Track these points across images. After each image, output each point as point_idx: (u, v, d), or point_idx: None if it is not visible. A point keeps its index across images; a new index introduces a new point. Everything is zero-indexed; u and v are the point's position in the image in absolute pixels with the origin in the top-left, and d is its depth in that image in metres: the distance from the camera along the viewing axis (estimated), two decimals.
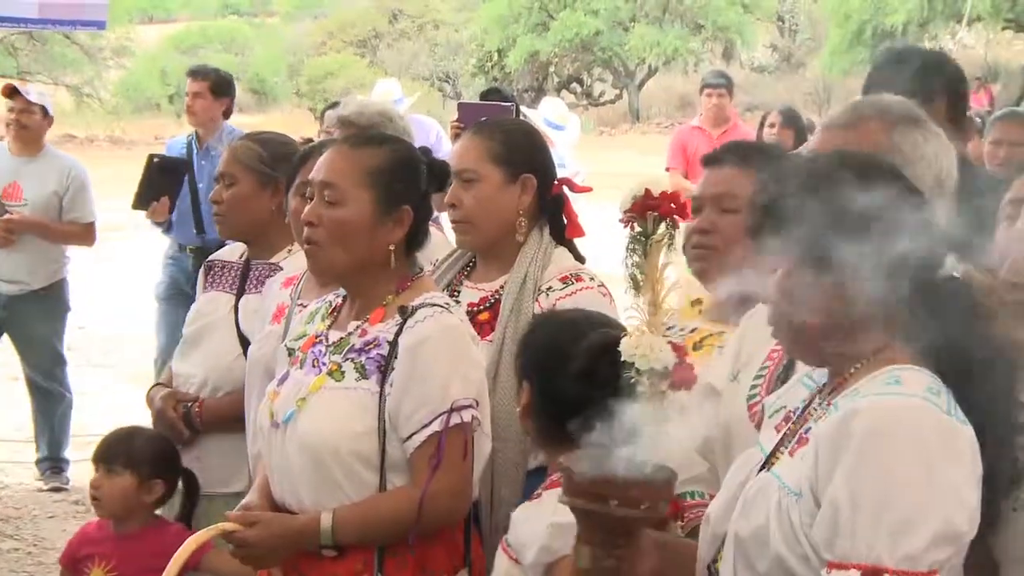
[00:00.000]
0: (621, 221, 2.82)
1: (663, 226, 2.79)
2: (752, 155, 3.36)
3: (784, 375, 2.88)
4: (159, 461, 4.31)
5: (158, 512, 4.38)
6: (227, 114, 8.71)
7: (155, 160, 8.26)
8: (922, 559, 2.13)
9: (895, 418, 2.21)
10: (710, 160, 3.43)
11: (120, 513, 4.31)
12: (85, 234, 8.21)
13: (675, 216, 2.78)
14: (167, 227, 8.44)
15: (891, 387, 2.26)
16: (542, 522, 2.93)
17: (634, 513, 2.38)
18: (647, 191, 2.79)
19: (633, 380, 2.70)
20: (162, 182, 8.15)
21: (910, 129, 2.85)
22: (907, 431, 2.19)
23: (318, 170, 3.38)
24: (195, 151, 8.41)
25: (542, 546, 2.91)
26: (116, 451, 4.31)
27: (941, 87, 3.73)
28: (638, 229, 2.79)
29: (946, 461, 2.18)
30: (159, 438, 4.39)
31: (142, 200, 8.17)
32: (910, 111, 2.94)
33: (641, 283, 2.80)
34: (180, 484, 4.39)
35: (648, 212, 2.80)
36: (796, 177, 2.44)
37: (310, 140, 5.86)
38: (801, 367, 2.84)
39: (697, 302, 3.37)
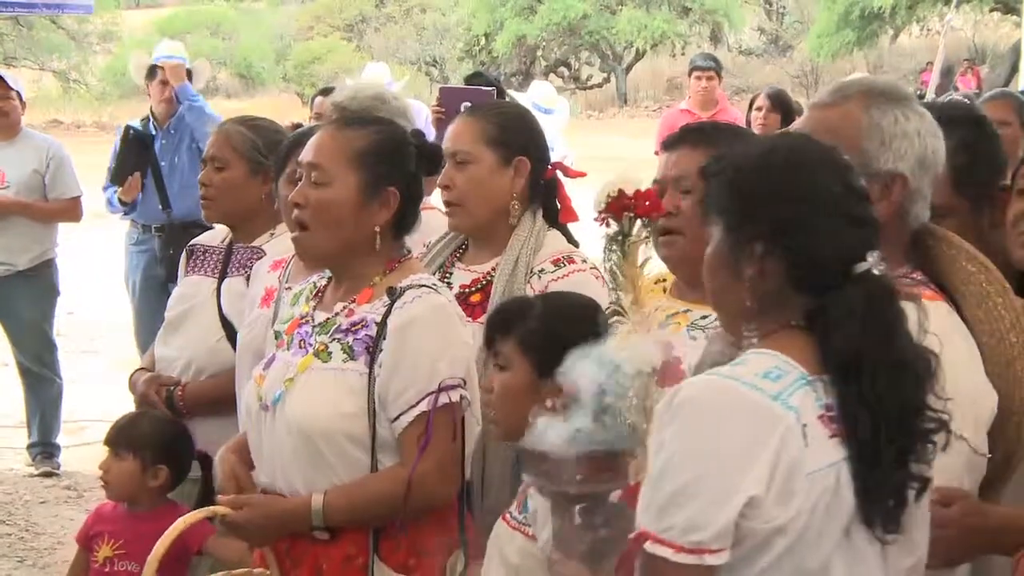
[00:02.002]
0: (596, 220, 2.83)
1: (639, 225, 2.81)
2: (708, 136, 3.34)
3: None
4: (165, 446, 4.30)
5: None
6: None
7: (131, 132, 8.28)
8: (687, 533, 2.21)
9: (695, 396, 2.28)
10: (669, 144, 3.42)
11: (126, 496, 4.32)
12: (71, 209, 8.24)
13: (651, 214, 2.80)
14: (130, 208, 8.46)
15: (728, 367, 2.34)
16: None
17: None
18: (621, 191, 2.79)
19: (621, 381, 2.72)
20: (135, 157, 8.19)
21: (890, 106, 2.86)
22: (701, 408, 2.27)
23: (306, 152, 3.39)
24: (155, 131, 8.42)
25: None
26: (122, 435, 4.32)
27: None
28: (615, 228, 2.80)
29: (733, 441, 2.24)
30: (168, 422, 4.38)
31: (118, 175, 8.20)
32: (894, 89, 2.96)
33: (621, 282, 2.82)
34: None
35: (624, 212, 2.81)
36: (725, 159, 2.48)
37: (299, 125, 5.86)
38: None
39: (661, 280, 3.36)
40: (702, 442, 2.25)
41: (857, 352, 2.32)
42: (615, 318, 2.80)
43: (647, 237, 2.82)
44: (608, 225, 2.82)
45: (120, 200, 8.34)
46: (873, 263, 2.34)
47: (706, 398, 2.28)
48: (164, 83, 8.48)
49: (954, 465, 2.68)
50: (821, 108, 2.93)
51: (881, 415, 2.31)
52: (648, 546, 2.24)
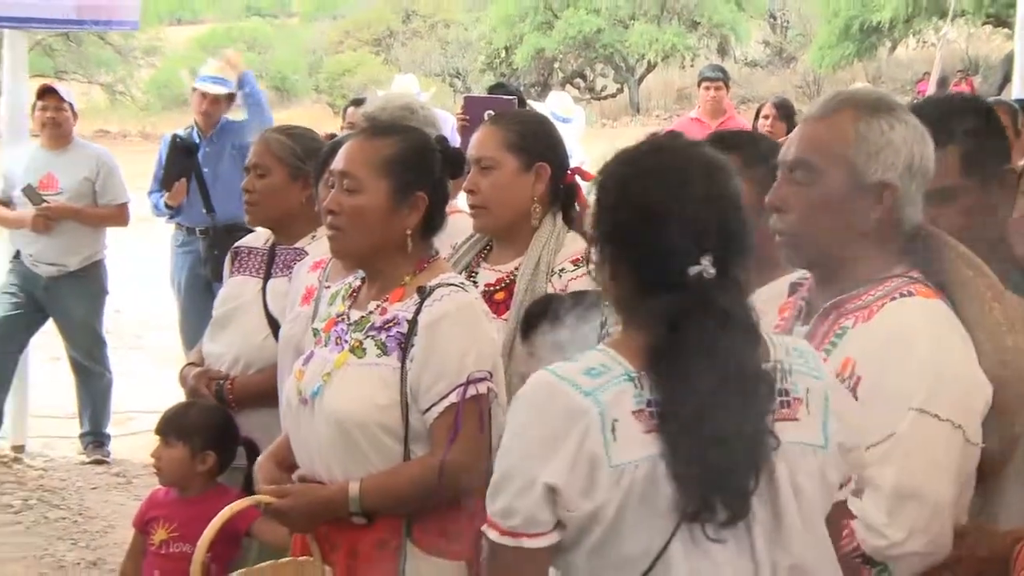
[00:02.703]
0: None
1: None
2: (728, 143, 3.36)
3: None
4: (212, 433, 4.34)
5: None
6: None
7: (178, 141, 8.32)
8: (505, 517, 2.31)
9: (525, 389, 2.37)
10: None
11: (177, 481, 4.36)
12: (120, 214, 8.27)
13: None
14: (175, 212, 8.49)
15: (561, 363, 2.39)
16: None
17: None
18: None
19: None
20: (181, 164, 8.23)
21: (876, 118, 2.82)
22: (523, 401, 2.36)
23: (338, 160, 3.40)
24: (199, 139, 8.44)
25: None
26: (172, 424, 4.36)
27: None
28: None
29: (538, 433, 2.31)
30: (215, 411, 4.42)
31: (166, 181, 8.24)
32: (880, 100, 2.91)
33: None
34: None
35: None
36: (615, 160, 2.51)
37: (333, 135, 5.87)
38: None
39: None
40: (517, 433, 2.35)
41: (666, 351, 2.32)
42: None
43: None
44: None
45: (166, 204, 8.38)
46: (705, 267, 2.32)
47: (529, 392, 2.35)
48: (204, 96, 8.51)
49: (942, 452, 2.68)
50: (811, 122, 2.90)
51: (694, 414, 2.29)
52: (483, 527, 2.36)
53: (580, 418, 2.28)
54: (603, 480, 2.28)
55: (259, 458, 3.68)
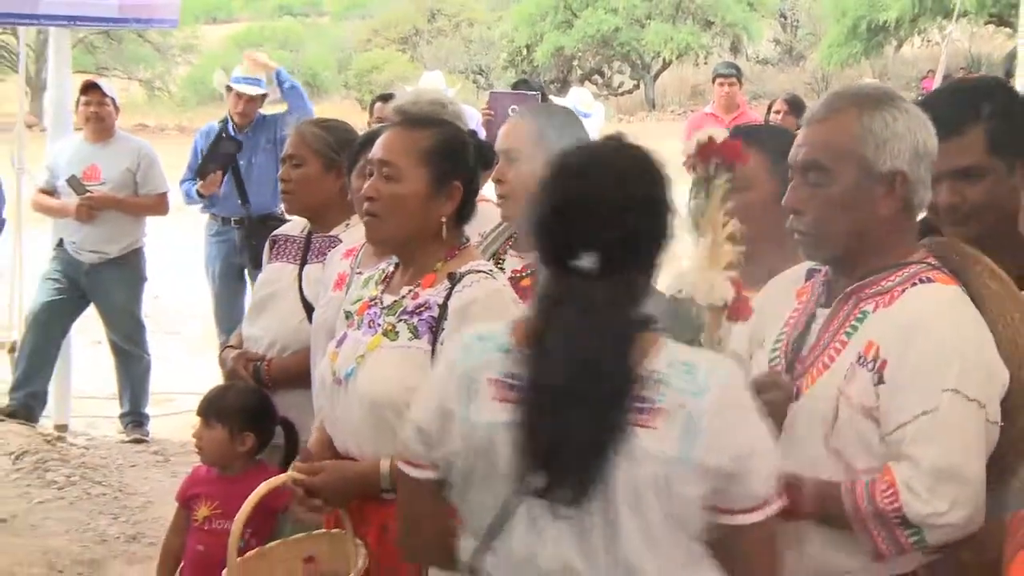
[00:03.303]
0: (684, 164, 2.81)
1: (724, 171, 2.78)
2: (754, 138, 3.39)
3: (800, 338, 2.91)
4: (250, 415, 4.36)
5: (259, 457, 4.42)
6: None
7: (224, 135, 8.31)
8: (403, 447, 2.65)
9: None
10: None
11: (218, 461, 4.38)
12: (159, 204, 8.29)
13: (736, 161, 2.79)
14: (207, 202, 8.51)
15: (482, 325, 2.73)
16: None
17: None
18: (711, 138, 2.78)
19: (695, 314, 2.71)
20: (221, 158, 8.24)
21: (879, 111, 2.81)
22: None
23: (377, 149, 3.39)
24: (235, 133, 8.43)
25: None
26: (211, 406, 4.37)
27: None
28: (700, 173, 2.79)
29: (433, 377, 2.62)
30: (252, 392, 4.42)
31: (202, 170, 8.26)
32: (879, 93, 2.91)
33: (702, 224, 2.79)
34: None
35: (711, 157, 2.78)
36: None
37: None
38: (817, 323, 2.87)
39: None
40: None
41: (532, 332, 2.42)
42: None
43: (730, 184, 2.79)
44: (695, 171, 2.81)
45: (198, 192, 8.39)
46: (585, 263, 2.37)
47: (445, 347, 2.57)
48: (240, 96, 8.51)
49: (974, 431, 2.67)
50: (816, 124, 2.88)
51: (540, 393, 2.36)
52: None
53: (451, 374, 2.50)
54: (454, 433, 2.48)
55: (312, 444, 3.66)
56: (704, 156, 2.79)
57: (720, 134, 2.82)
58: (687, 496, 2.36)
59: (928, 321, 2.73)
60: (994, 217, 3.12)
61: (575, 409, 2.35)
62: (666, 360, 2.40)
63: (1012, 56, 13.59)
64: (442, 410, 2.49)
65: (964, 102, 3.21)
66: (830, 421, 2.74)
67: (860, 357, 2.75)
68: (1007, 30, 30.47)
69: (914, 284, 2.80)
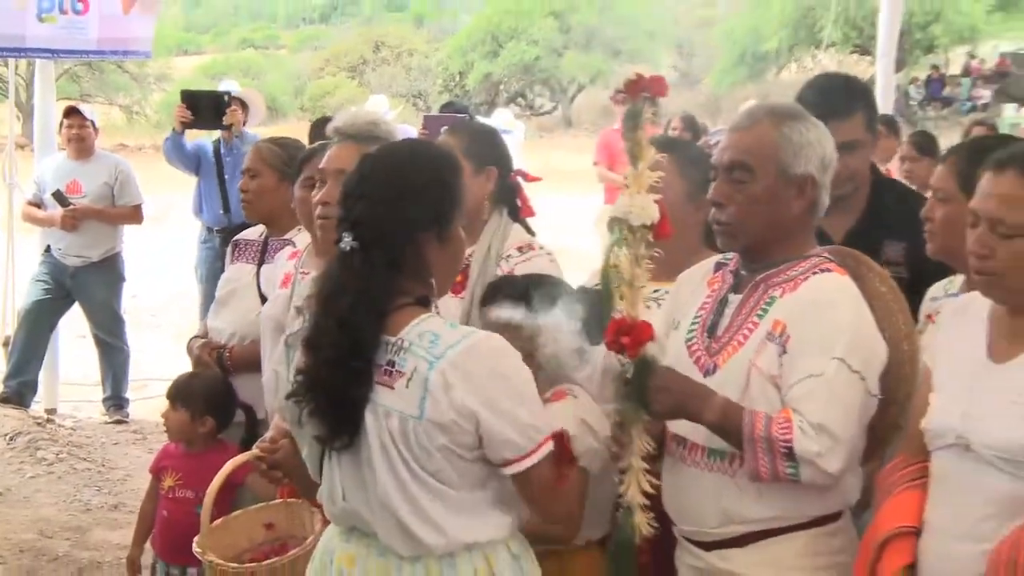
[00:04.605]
0: (612, 99, 2.81)
1: (650, 104, 2.77)
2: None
3: (715, 321, 2.93)
4: (211, 400, 4.34)
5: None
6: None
7: (227, 97, 8.04)
8: None
9: None
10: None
11: (181, 439, 4.38)
12: (134, 214, 8.18)
13: (662, 95, 2.78)
14: (197, 210, 8.39)
15: None
16: (568, 418, 2.93)
17: None
18: (639, 75, 2.76)
19: (624, 237, 2.71)
20: (204, 116, 7.99)
21: (795, 123, 2.87)
22: None
23: (328, 161, 3.43)
24: (221, 148, 8.31)
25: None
26: (178, 392, 4.35)
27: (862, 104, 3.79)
28: (631, 107, 2.77)
29: None
30: (215, 380, 4.40)
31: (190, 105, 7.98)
32: (794, 109, 2.98)
33: (633, 153, 2.78)
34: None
35: (639, 92, 2.77)
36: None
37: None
38: (729, 307, 2.90)
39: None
40: None
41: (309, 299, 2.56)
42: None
43: (655, 117, 2.79)
44: (623, 104, 2.79)
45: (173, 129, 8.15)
46: (346, 242, 2.49)
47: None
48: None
49: (853, 406, 2.71)
50: (740, 131, 2.91)
51: (303, 348, 2.50)
52: None
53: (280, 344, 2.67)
54: (283, 388, 2.61)
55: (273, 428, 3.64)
56: (633, 91, 2.76)
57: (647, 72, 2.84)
58: (428, 447, 2.42)
59: (825, 301, 2.77)
60: (862, 179, 3.69)
61: (328, 365, 2.44)
62: (417, 331, 2.45)
63: (872, 80, 13.84)
64: (276, 372, 2.61)
65: (847, 93, 3.68)
66: (743, 389, 2.76)
67: (769, 334, 2.78)
68: (868, 58, 30.83)
69: (815, 273, 2.84)
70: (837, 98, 3.61)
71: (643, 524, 2.80)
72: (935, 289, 3.35)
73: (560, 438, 2.47)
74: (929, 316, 3.22)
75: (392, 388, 2.43)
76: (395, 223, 2.48)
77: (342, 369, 2.43)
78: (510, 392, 2.43)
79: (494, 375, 2.42)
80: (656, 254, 2.79)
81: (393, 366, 2.43)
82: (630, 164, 2.80)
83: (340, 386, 2.44)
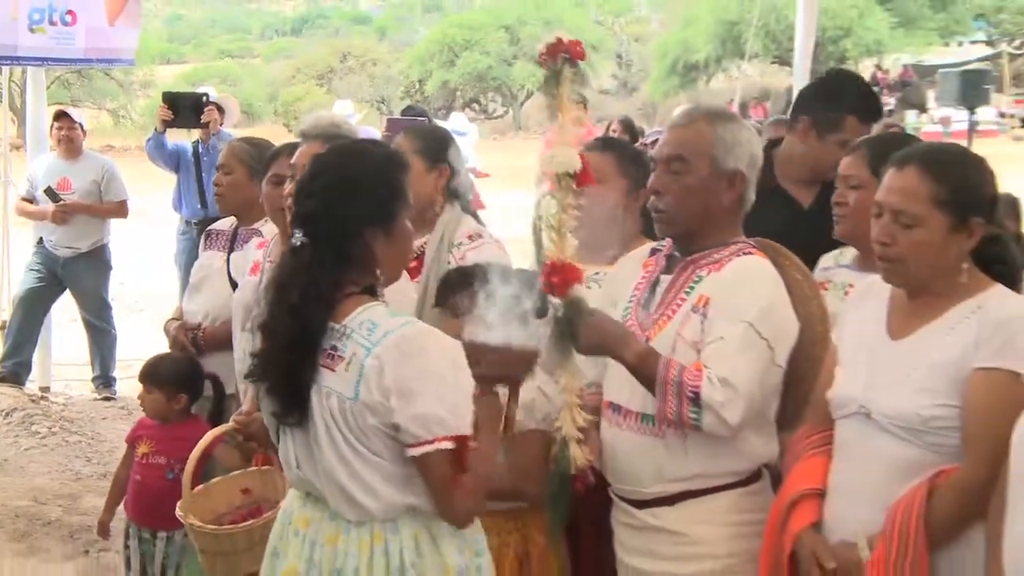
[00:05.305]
0: (537, 61, 2.75)
1: (569, 65, 2.74)
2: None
3: (648, 298, 2.95)
4: (182, 379, 4.27)
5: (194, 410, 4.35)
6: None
7: (205, 98, 7.97)
8: None
9: None
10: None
11: (158, 417, 4.29)
12: (120, 209, 8.09)
13: (580, 58, 2.73)
14: (177, 205, 8.33)
15: None
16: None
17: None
18: (559, 38, 2.73)
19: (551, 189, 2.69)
20: (184, 116, 7.92)
21: (728, 123, 2.89)
22: None
23: (300, 157, 3.39)
24: (200, 148, 8.22)
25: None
26: (150, 376, 4.28)
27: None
28: (550, 68, 2.74)
29: None
30: (183, 361, 4.34)
31: (172, 107, 7.91)
32: (726, 111, 3.02)
33: (552, 110, 2.75)
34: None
35: (559, 54, 2.75)
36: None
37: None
38: (661, 286, 2.91)
39: None
40: None
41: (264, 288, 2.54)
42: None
43: (574, 77, 2.75)
44: (546, 66, 2.76)
45: (156, 129, 8.10)
46: (297, 239, 2.47)
47: None
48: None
49: (755, 365, 2.72)
50: (678, 128, 2.93)
51: (258, 334, 2.50)
52: None
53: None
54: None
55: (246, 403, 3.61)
56: (552, 53, 2.74)
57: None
58: (362, 426, 2.41)
59: (745, 278, 2.79)
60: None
61: (279, 350, 2.44)
62: (359, 319, 2.43)
63: (790, 89, 13.91)
64: (245, 352, 2.60)
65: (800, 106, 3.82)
66: (670, 356, 2.76)
67: (694, 307, 2.80)
68: (788, 68, 31.07)
69: (739, 255, 2.86)
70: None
71: (578, 456, 2.79)
72: (826, 259, 3.38)
73: (463, 441, 2.40)
74: (822, 284, 3.23)
75: (334, 371, 2.41)
76: (342, 219, 2.45)
77: (291, 354, 2.42)
78: (424, 382, 2.37)
79: (414, 364, 2.37)
80: (582, 203, 2.77)
81: (336, 351, 2.42)
82: (550, 119, 2.77)
83: (290, 369, 2.43)
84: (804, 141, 3.78)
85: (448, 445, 2.38)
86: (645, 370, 2.73)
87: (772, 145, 3.86)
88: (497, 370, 2.54)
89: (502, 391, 2.62)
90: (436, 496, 2.45)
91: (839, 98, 3.75)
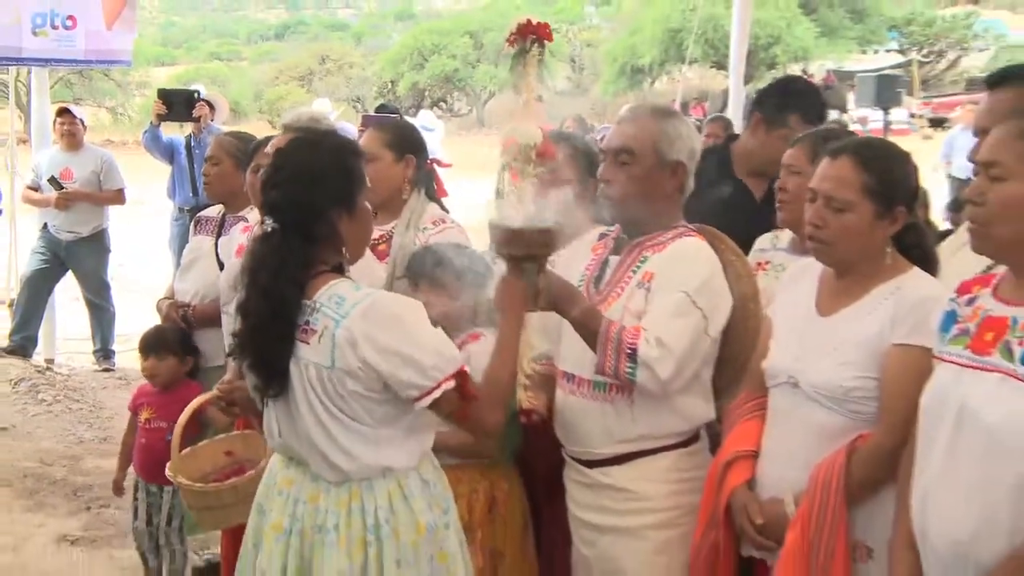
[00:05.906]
0: (507, 41, 2.69)
1: (536, 46, 2.68)
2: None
3: (598, 278, 2.94)
4: (184, 344, 4.28)
5: None
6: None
7: (197, 95, 7.89)
8: None
9: None
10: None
11: (170, 383, 4.25)
12: (117, 196, 8.05)
13: (547, 39, 2.68)
14: (171, 194, 8.28)
15: None
16: (486, 353, 2.83)
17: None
18: (528, 19, 2.68)
19: (514, 158, 2.63)
20: (177, 110, 7.84)
21: (670, 119, 2.89)
22: None
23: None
24: (192, 141, 8.13)
25: None
26: (156, 344, 4.25)
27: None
28: (518, 47, 2.67)
29: None
30: (175, 328, 4.34)
31: (166, 102, 7.84)
32: (669, 108, 3.02)
33: (519, 87, 2.71)
34: None
35: (527, 35, 2.70)
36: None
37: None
38: (610, 266, 2.89)
39: None
40: None
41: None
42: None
43: (540, 57, 2.69)
44: (515, 46, 2.68)
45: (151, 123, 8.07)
46: (267, 225, 2.46)
47: None
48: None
49: (688, 330, 2.72)
50: (626, 123, 2.92)
51: (240, 312, 2.46)
52: None
53: None
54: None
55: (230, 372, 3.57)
56: (522, 34, 2.69)
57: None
58: (341, 392, 2.39)
59: (685, 256, 2.80)
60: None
61: (255, 329, 2.41)
62: (327, 295, 2.41)
63: (726, 91, 13.99)
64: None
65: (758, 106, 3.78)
66: None
67: (639, 283, 2.80)
68: (724, 72, 31.16)
69: (680, 238, 2.86)
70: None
71: (522, 399, 2.78)
72: (762, 241, 3.39)
73: (461, 374, 2.42)
74: (759, 264, 3.25)
75: (308, 344, 2.39)
76: (307, 205, 2.42)
77: (266, 333, 2.40)
78: (404, 339, 2.36)
79: (389, 327, 2.36)
80: (542, 173, 2.72)
81: (308, 325, 2.39)
82: (515, 95, 2.74)
83: (267, 346, 2.41)
84: (754, 135, 3.83)
85: (450, 384, 2.39)
86: (589, 325, 2.72)
87: (731, 140, 3.90)
88: (522, 249, 2.55)
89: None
90: (460, 426, 2.48)
91: (785, 98, 3.79)
